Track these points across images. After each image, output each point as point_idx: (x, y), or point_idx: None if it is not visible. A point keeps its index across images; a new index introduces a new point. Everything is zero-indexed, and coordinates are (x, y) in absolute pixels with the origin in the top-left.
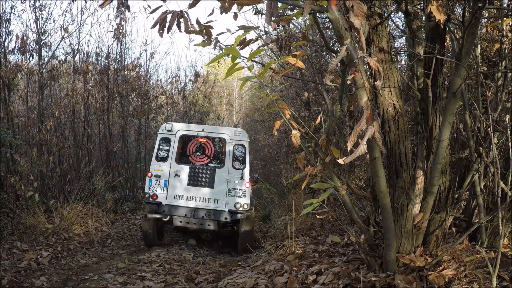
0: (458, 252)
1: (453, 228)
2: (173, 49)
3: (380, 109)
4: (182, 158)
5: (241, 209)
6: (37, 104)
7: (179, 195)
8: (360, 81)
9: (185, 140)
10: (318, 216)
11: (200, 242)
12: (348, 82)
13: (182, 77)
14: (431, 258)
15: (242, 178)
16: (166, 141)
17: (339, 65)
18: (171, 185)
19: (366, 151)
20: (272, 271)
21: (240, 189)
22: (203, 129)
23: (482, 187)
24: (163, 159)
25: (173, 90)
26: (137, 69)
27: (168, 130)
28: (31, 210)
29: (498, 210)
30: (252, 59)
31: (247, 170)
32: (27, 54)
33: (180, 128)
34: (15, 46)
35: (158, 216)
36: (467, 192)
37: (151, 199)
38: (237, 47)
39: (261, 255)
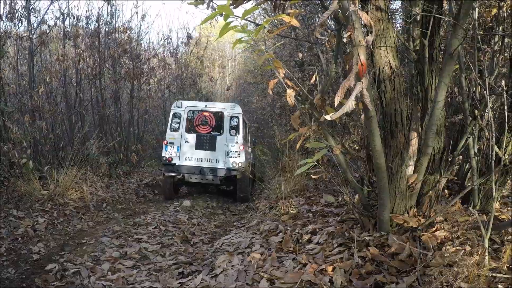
0: (451, 214)
1: (446, 191)
2: (164, 11)
3: (376, 69)
4: (190, 128)
5: (236, 167)
6: (27, 71)
7: (188, 157)
8: (357, 39)
9: (192, 114)
10: (312, 176)
11: (195, 204)
12: (345, 40)
13: (174, 39)
14: (424, 219)
15: (237, 143)
16: (177, 115)
17: (335, 25)
18: (182, 150)
19: (354, 107)
20: (267, 231)
21: (235, 151)
22: (206, 105)
23: (476, 151)
24: (176, 130)
25: (165, 53)
26: (128, 32)
27: (178, 107)
28: (25, 177)
29: (492, 173)
30: (246, 18)
31: (240, 137)
32: (16, 20)
33: (188, 105)
34: (3, 12)
35: (173, 174)
36: (460, 156)
37: (167, 161)
38: (230, 6)
39: (256, 216)
